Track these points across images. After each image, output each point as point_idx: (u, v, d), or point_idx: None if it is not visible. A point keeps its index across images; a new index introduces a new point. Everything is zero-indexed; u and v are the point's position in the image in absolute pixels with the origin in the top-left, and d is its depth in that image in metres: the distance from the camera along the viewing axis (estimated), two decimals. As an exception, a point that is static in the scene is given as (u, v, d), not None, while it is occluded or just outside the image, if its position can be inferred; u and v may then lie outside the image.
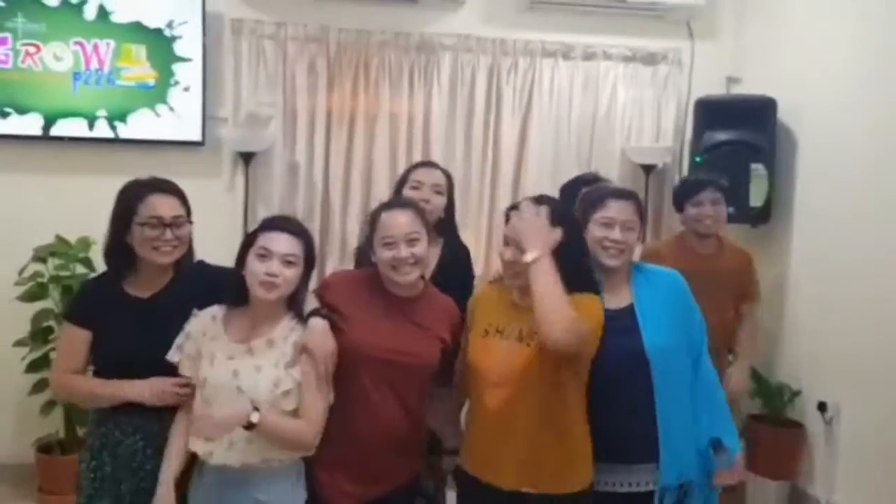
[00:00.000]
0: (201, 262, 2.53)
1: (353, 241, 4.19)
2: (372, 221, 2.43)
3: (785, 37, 4.60)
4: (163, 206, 2.36)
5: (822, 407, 4.07)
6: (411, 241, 2.35)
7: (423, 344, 2.39)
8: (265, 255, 2.23)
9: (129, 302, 2.39)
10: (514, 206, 2.42)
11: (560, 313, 2.12)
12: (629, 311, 2.40)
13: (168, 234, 2.34)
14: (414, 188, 2.93)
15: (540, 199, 2.36)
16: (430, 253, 2.58)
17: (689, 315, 2.48)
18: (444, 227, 3.02)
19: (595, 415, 2.34)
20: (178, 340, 2.30)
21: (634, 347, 2.34)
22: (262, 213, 4.42)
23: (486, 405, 2.30)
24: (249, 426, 2.11)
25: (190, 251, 2.48)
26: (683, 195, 3.65)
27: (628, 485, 2.36)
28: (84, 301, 2.45)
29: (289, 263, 2.24)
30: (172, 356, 2.29)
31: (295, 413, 2.23)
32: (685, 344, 2.43)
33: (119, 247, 2.38)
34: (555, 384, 2.25)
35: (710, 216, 3.58)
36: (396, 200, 2.59)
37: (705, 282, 2.92)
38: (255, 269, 2.23)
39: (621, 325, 2.35)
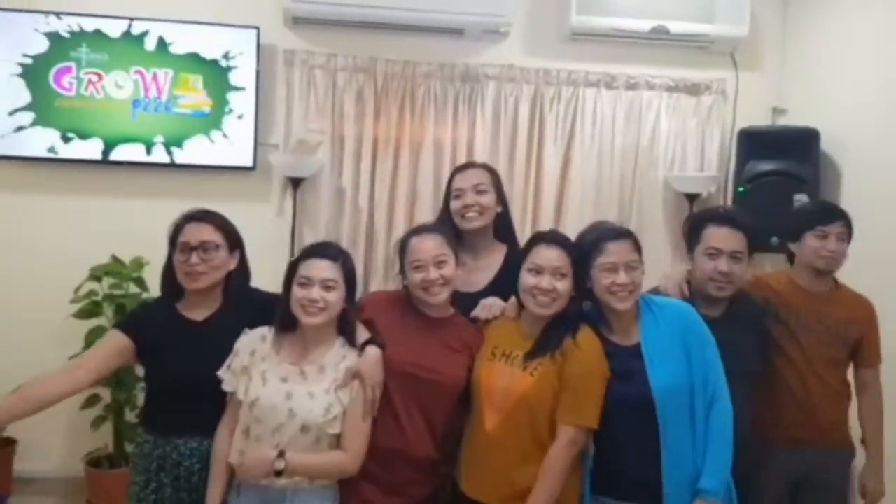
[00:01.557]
0: (253, 289, 2.62)
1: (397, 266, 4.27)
2: (402, 247, 2.55)
3: (828, 67, 4.61)
4: (192, 232, 2.47)
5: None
6: (439, 264, 2.46)
7: (450, 363, 2.48)
8: (305, 283, 2.34)
9: (184, 323, 2.49)
10: (538, 236, 2.53)
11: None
12: (637, 350, 2.39)
13: (194, 258, 2.44)
14: (457, 197, 2.85)
15: (556, 238, 2.49)
16: (492, 259, 2.74)
17: (701, 350, 2.41)
18: (503, 230, 2.92)
19: (599, 451, 2.38)
20: (228, 360, 2.40)
21: (640, 390, 2.33)
22: (308, 236, 4.57)
23: (484, 426, 2.38)
24: (277, 473, 2.22)
25: (242, 280, 2.57)
26: (807, 222, 3.01)
27: None
28: (139, 316, 2.57)
29: (328, 288, 2.34)
30: (223, 375, 2.39)
31: (339, 437, 2.32)
32: (697, 381, 2.37)
33: (169, 274, 2.52)
34: (550, 417, 2.33)
35: (834, 253, 2.96)
36: (424, 226, 2.68)
37: (810, 326, 2.90)
38: (298, 296, 2.35)
39: (628, 366, 2.37)
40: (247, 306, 2.49)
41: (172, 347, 2.45)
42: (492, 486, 2.38)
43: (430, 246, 2.48)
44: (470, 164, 3.03)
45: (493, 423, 2.37)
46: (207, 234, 2.48)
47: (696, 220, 2.81)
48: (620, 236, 2.45)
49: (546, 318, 2.42)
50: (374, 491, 2.40)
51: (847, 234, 2.99)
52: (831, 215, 3.00)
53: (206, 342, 2.43)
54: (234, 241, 2.54)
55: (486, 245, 2.85)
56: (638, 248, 2.47)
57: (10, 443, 4.21)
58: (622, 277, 2.38)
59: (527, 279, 2.41)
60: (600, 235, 2.46)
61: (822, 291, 2.98)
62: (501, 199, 2.90)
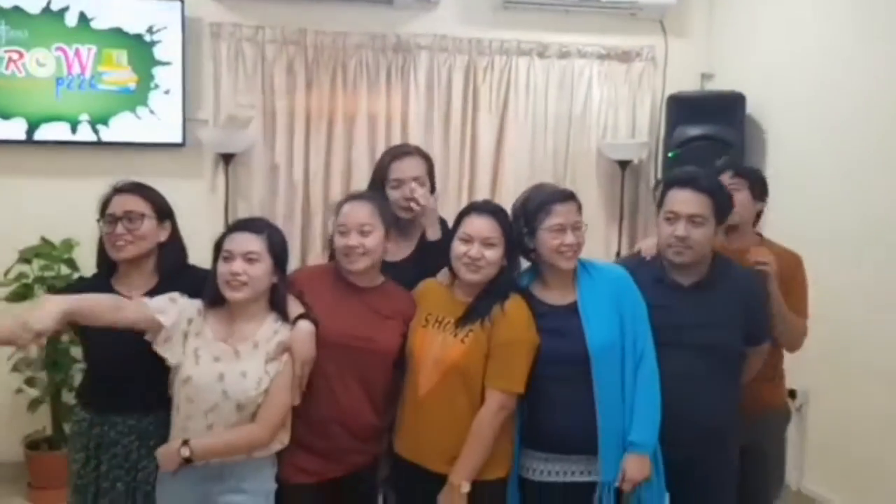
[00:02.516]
0: (190, 266, 2.59)
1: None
2: (336, 211, 2.55)
3: (754, 33, 4.70)
4: (118, 202, 2.44)
5: (791, 394, 4.14)
6: (364, 233, 2.46)
7: (382, 330, 2.49)
8: (228, 257, 2.33)
9: None
10: (470, 206, 2.56)
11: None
12: (573, 308, 2.45)
13: (119, 228, 2.41)
14: (394, 187, 2.83)
15: (487, 207, 2.51)
16: (418, 233, 2.72)
17: (634, 311, 2.47)
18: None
19: (534, 408, 2.43)
20: (161, 303, 2.32)
21: (577, 347, 2.39)
22: (242, 212, 4.52)
23: (418, 391, 2.44)
24: (186, 461, 2.23)
25: (175, 254, 2.54)
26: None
27: (564, 474, 2.43)
28: (72, 290, 2.49)
29: (251, 261, 2.32)
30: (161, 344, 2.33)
31: None
32: (628, 340, 2.44)
33: (102, 247, 2.49)
34: (482, 382, 2.40)
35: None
36: (362, 193, 2.68)
37: None
38: (221, 270, 2.33)
39: (563, 323, 2.43)
40: (184, 282, 2.45)
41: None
42: (425, 448, 2.44)
43: (359, 214, 2.48)
44: (406, 152, 2.95)
45: (425, 388, 2.42)
46: (132, 203, 2.44)
47: (662, 185, 2.79)
48: (567, 198, 2.49)
49: (477, 285, 2.46)
50: (311, 459, 2.41)
51: (742, 184, 2.94)
52: (717, 171, 2.99)
53: None
54: (162, 211, 2.51)
55: (416, 228, 2.87)
56: (580, 209, 2.52)
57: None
58: (569, 238, 2.43)
59: (457, 247, 2.46)
60: (547, 198, 2.48)
61: (743, 248, 2.91)
62: (433, 185, 2.93)
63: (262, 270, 2.34)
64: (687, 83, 4.93)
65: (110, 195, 2.48)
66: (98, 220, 2.48)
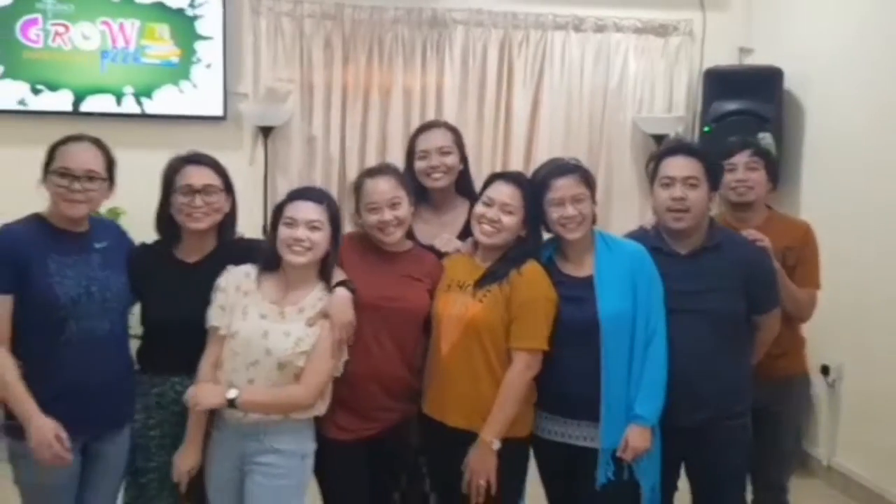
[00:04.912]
0: (238, 235, 2.69)
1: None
2: (357, 188, 2.63)
3: (794, 7, 4.66)
4: (194, 175, 2.51)
5: (824, 370, 4.17)
6: (394, 206, 2.55)
7: (412, 291, 2.59)
8: (291, 223, 2.41)
9: (175, 265, 2.55)
10: (498, 175, 2.65)
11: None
12: (589, 280, 2.52)
13: (198, 200, 2.48)
14: (421, 158, 2.89)
15: (512, 176, 2.60)
16: (455, 214, 2.81)
17: (649, 288, 2.51)
18: (463, 186, 2.95)
19: (543, 370, 2.50)
20: (213, 296, 2.45)
21: (588, 315, 2.46)
22: (281, 184, 4.63)
23: (440, 351, 2.53)
24: (229, 403, 2.31)
25: (232, 224, 2.63)
26: (719, 160, 2.94)
27: (568, 436, 2.52)
28: (134, 258, 2.59)
29: (314, 228, 2.41)
30: (209, 311, 2.43)
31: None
32: (640, 314, 2.49)
33: (165, 217, 2.56)
34: (501, 338, 2.48)
35: (743, 181, 2.95)
36: (378, 167, 2.75)
37: None
38: (283, 235, 2.42)
39: (579, 293, 2.50)
40: (236, 250, 2.56)
41: (164, 287, 2.52)
42: (446, 405, 2.54)
43: (385, 188, 2.56)
44: (433, 125, 3.06)
45: (446, 347, 2.52)
46: (210, 176, 2.54)
47: (654, 159, 2.82)
48: (566, 172, 2.55)
49: (496, 251, 2.55)
50: (349, 418, 2.51)
51: (760, 163, 2.97)
52: (736, 147, 3.02)
53: (197, 283, 2.47)
54: (229, 184, 2.61)
55: (448, 200, 2.94)
56: (587, 180, 2.57)
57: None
58: (569, 210, 2.50)
59: (478, 208, 2.56)
60: (548, 173, 2.58)
61: (754, 225, 2.91)
62: (463, 157, 2.98)
63: (323, 238, 2.43)
64: (725, 57, 4.89)
65: (179, 164, 2.54)
66: (164, 188, 2.54)
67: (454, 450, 2.50)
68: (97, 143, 2.49)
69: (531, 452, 2.63)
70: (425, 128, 3.02)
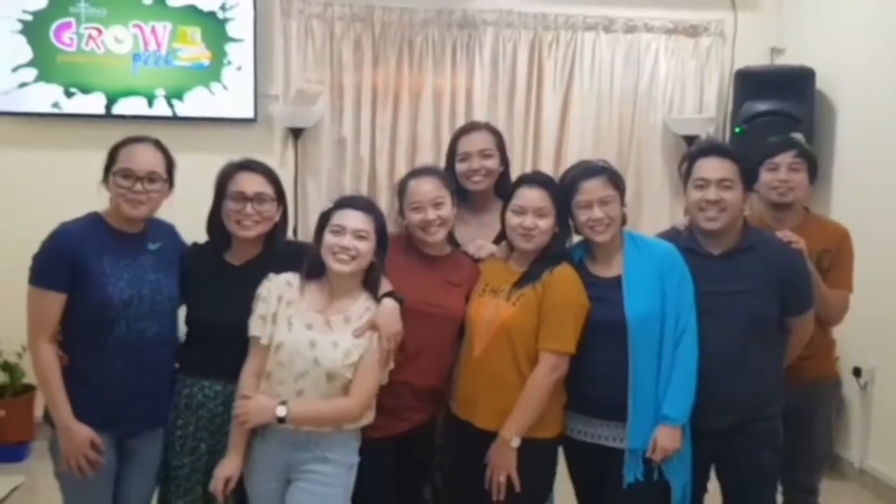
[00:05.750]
0: (289, 240, 2.70)
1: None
2: (401, 189, 2.66)
3: (826, 6, 4.62)
4: (246, 182, 2.51)
5: (857, 372, 4.13)
6: (437, 205, 2.57)
7: (451, 297, 2.61)
8: (338, 231, 2.41)
9: (222, 267, 2.56)
10: (522, 178, 2.66)
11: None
12: (617, 280, 2.52)
13: (249, 208, 2.48)
14: (462, 160, 2.91)
15: (537, 178, 2.61)
16: (494, 215, 2.76)
17: (679, 288, 2.51)
18: (503, 187, 2.89)
19: (573, 371, 2.50)
20: (254, 306, 2.44)
21: (615, 316, 2.46)
22: (311, 186, 4.67)
23: (472, 353, 2.55)
24: (280, 420, 2.31)
25: (283, 231, 2.64)
26: (759, 158, 2.98)
27: (595, 437, 2.53)
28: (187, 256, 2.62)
29: (360, 238, 2.40)
30: (251, 321, 2.43)
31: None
32: (669, 315, 2.48)
33: (216, 221, 2.56)
34: (532, 341, 2.48)
35: (785, 182, 2.92)
36: (422, 168, 2.78)
37: None
38: (329, 242, 2.41)
39: (607, 294, 2.50)
40: (282, 255, 2.57)
41: (208, 289, 2.54)
42: (475, 406, 2.55)
43: (428, 188, 2.59)
44: (474, 127, 3.04)
45: (479, 349, 2.54)
46: (262, 185, 2.53)
47: (687, 159, 2.81)
48: (593, 174, 2.56)
49: (531, 254, 2.56)
50: (378, 417, 2.51)
51: (803, 165, 2.94)
52: (779, 147, 2.99)
53: (241, 286, 2.47)
54: (280, 192, 2.61)
55: (487, 202, 2.94)
56: (615, 182, 2.56)
57: (30, 389, 4.33)
58: (596, 213, 2.51)
59: (511, 219, 2.56)
60: (576, 175, 2.59)
61: (791, 226, 2.89)
62: (504, 159, 2.98)
63: (369, 248, 2.42)
64: (756, 57, 4.86)
65: (232, 171, 2.54)
66: (217, 194, 2.54)
67: (481, 449, 2.52)
68: (158, 144, 2.51)
69: (560, 453, 2.64)
70: (467, 130, 3.01)
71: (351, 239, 2.39)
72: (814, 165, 2.99)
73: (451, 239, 2.74)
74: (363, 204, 2.50)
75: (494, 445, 2.49)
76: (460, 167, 2.90)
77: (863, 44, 4.25)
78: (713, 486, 2.73)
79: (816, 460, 3.06)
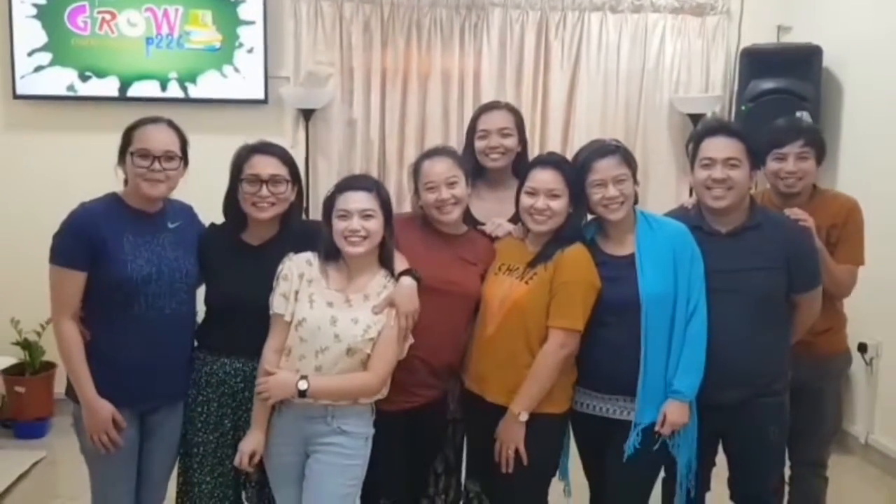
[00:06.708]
0: (304, 220, 2.76)
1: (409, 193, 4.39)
2: (415, 170, 2.71)
3: (833, -16, 4.62)
4: (261, 164, 2.55)
5: (862, 348, 4.17)
6: (451, 185, 2.62)
7: (467, 275, 2.66)
8: (345, 216, 2.45)
9: (240, 247, 2.61)
10: (535, 160, 2.70)
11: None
12: (630, 258, 2.56)
13: (264, 190, 2.53)
14: (481, 138, 2.95)
15: (550, 160, 2.65)
16: (511, 192, 2.76)
17: (690, 267, 2.55)
18: (520, 166, 2.92)
19: (583, 348, 2.55)
20: (276, 284, 2.49)
21: (629, 294, 2.50)
22: (322, 167, 4.74)
23: (485, 329, 2.60)
24: (301, 394, 2.37)
25: (298, 213, 2.69)
26: (766, 145, 2.90)
27: (604, 410, 2.58)
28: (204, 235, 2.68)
29: (367, 217, 2.44)
30: (274, 299, 2.48)
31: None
32: (681, 293, 2.52)
33: (232, 203, 2.61)
34: (543, 319, 2.53)
35: (793, 173, 2.87)
36: (436, 149, 2.81)
37: None
38: (339, 227, 2.45)
39: (620, 272, 2.54)
40: (299, 234, 2.61)
41: (226, 268, 2.58)
42: (487, 381, 2.62)
43: (442, 168, 2.63)
44: (495, 105, 3.09)
45: (492, 327, 2.59)
46: (276, 167, 2.57)
47: (693, 139, 2.82)
48: (607, 153, 2.59)
49: (546, 234, 2.60)
50: (392, 391, 2.56)
51: (811, 152, 2.88)
52: (787, 135, 2.91)
53: (259, 266, 2.51)
54: (295, 174, 2.65)
55: (504, 179, 2.99)
56: (628, 161, 2.60)
57: (50, 366, 4.42)
58: (611, 191, 2.54)
59: (525, 200, 2.60)
60: (589, 154, 2.62)
61: (798, 204, 2.89)
62: (522, 139, 3.03)
63: (377, 225, 2.46)
64: (763, 35, 4.87)
65: (247, 154, 2.58)
66: (233, 176, 2.58)
67: (492, 423, 2.58)
68: (171, 123, 2.55)
69: (570, 428, 2.70)
70: (487, 108, 3.06)
71: (359, 220, 2.42)
72: (822, 149, 2.96)
73: (468, 215, 2.79)
74: (364, 183, 2.53)
75: (503, 420, 2.55)
76: (479, 144, 2.95)
77: (870, 21, 4.26)
78: (720, 459, 2.78)
79: (826, 434, 3.09)
